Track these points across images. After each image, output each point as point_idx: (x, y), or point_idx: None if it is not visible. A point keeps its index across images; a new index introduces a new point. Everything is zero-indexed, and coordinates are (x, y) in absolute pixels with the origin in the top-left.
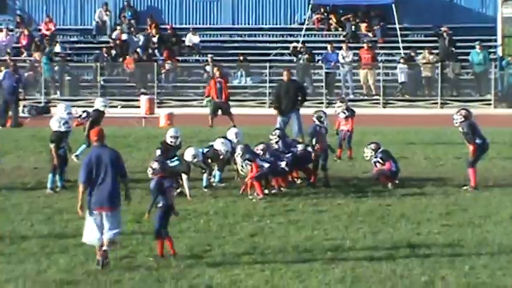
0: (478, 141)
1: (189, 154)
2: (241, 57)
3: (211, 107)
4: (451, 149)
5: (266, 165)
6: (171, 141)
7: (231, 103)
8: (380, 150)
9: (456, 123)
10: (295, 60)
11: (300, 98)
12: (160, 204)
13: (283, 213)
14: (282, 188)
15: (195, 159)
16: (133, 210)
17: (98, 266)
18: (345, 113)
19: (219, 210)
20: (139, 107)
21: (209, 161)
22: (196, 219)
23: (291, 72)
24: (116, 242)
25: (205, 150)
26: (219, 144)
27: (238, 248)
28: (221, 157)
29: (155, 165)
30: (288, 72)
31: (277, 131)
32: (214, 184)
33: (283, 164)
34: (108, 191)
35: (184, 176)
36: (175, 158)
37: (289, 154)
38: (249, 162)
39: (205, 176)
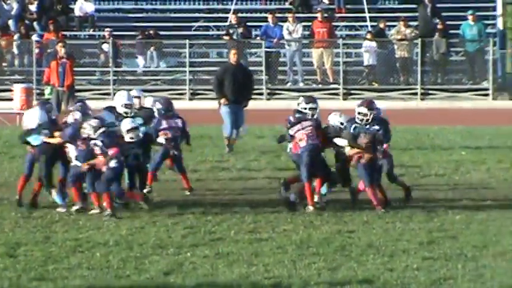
0: None
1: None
2: (151, 32)
3: (54, 98)
4: (436, 155)
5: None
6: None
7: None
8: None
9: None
10: (225, 37)
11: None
12: None
13: (209, 243)
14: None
15: None
16: (4, 240)
17: None
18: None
19: (121, 239)
20: (11, 99)
21: None
22: (91, 252)
23: (240, 54)
24: None
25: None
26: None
27: None
28: None
29: None
30: (236, 52)
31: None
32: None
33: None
34: None
35: None
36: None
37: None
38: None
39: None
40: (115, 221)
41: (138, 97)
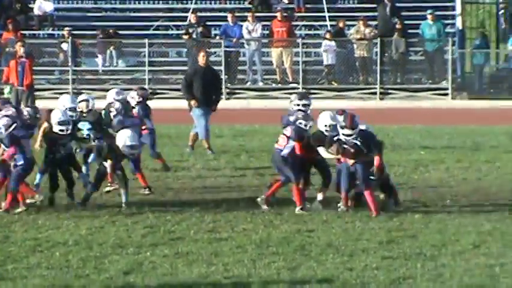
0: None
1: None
2: (111, 31)
3: (14, 97)
4: (395, 154)
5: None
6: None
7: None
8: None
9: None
10: (185, 36)
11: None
12: None
13: (168, 243)
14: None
15: None
16: None
17: None
18: None
19: (80, 238)
20: None
21: None
22: (50, 252)
23: (209, 55)
24: None
25: None
26: None
27: None
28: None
29: None
30: (205, 54)
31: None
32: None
33: None
34: None
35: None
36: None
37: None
38: None
39: None
40: (74, 221)
41: (86, 100)
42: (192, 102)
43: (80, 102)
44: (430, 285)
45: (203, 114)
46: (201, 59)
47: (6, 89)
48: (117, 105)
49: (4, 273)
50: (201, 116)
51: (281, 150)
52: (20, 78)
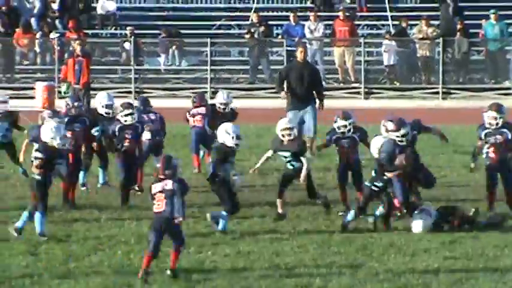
0: None
1: None
2: (173, 31)
3: (71, 95)
4: (458, 155)
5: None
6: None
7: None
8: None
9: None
10: (247, 35)
11: (315, 86)
12: None
13: (230, 242)
14: None
15: None
16: (25, 238)
17: None
18: None
19: (142, 237)
20: (34, 97)
21: None
22: (112, 250)
23: (307, 51)
24: None
25: None
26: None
27: None
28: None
29: None
30: (303, 50)
31: None
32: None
33: None
34: None
35: None
36: None
37: None
38: None
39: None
40: (136, 219)
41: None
42: (282, 93)
43: None
44: (492, 286)
45: (294, 116)
46: (299, 55)
47: (63, 87)
48: (136, 102)
49: (66, 271)
50: (291, 114)
51: None
52: (77, 77)
